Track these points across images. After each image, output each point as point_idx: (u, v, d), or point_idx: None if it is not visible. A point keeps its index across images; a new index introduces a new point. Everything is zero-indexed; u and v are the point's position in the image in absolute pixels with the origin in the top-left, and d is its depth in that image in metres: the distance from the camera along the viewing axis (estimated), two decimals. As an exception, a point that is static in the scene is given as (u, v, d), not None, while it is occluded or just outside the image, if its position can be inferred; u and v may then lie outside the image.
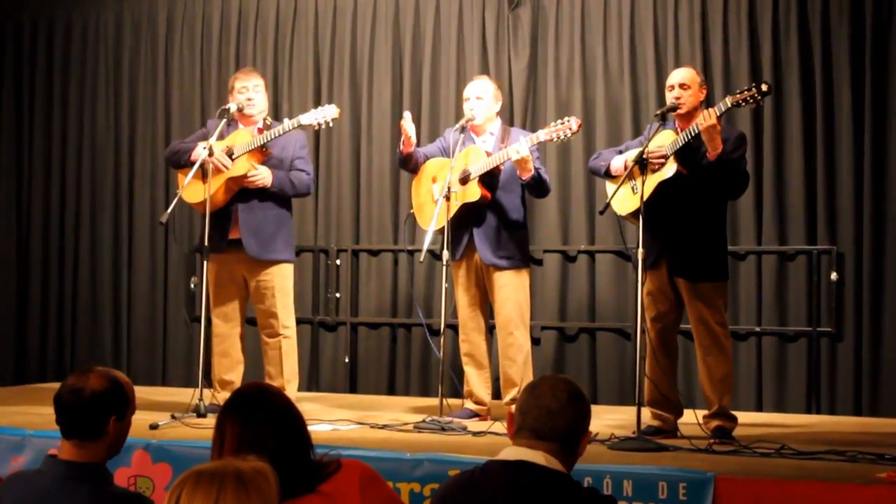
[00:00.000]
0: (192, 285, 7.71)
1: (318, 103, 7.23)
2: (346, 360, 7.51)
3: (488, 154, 5.74)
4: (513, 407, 2.77)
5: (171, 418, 5.33)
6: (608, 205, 5.19)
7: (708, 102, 5.37)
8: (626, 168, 5.30)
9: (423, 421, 5.38)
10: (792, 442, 4.86)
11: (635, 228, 5.19)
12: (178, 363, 7.89)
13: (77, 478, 2.88)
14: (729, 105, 5.07)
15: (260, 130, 5.92)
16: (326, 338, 7.62)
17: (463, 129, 5.78)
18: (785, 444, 4.79)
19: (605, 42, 7.10)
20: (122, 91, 8.24)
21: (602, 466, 4.23)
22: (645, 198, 5.07)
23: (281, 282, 5.91)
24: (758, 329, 6.68)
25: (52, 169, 8.40)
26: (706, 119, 5.00)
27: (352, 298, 7.57)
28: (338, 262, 7.61)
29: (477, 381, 5.87)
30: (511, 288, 5.77)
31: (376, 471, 2.87)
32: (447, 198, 5.55)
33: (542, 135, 5.65)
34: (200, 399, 5.51)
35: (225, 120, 5.81)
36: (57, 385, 3.08)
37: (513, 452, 2.66)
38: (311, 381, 7.50)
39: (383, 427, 5.42)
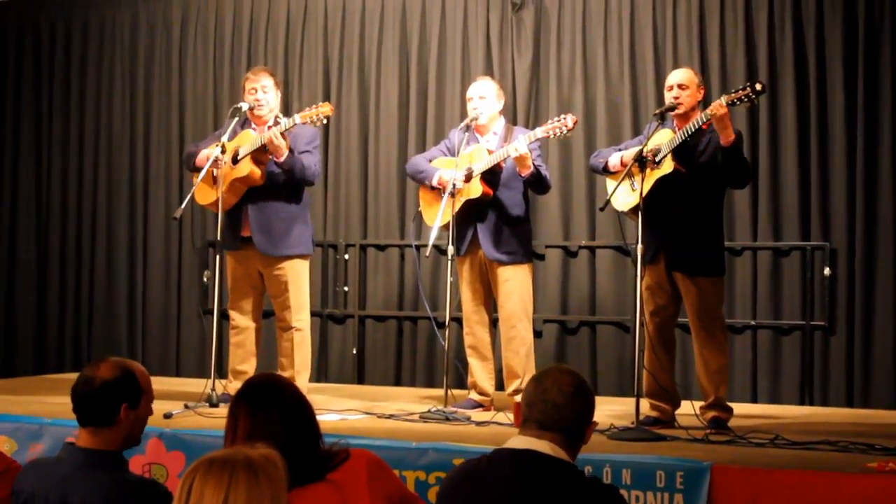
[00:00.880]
0: (205, 279, 7.78)
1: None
2: (354, 352, 7.55)
3: (490, 152, 5.79)
4: (518, 398, 2.85)
5: (184, 408, 5.37)
6: (608, 202, 5.24)
7: (705, 102, 5.37)
8: (623, 164, 5.34)
9: (429, 411, 5.42)
10: (786, 432, 4.89)
11: (635, 224, 5.21)
12: (191, 355, 7.94)
13: (94, 465, 2.90)
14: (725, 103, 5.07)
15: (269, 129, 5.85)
16: (335, 330, 7.66)
17: (467, 129, 5.83)
18: (779, 434, 4.83)
19: (606, 43, 7.14)
20: (137, 91, 8.29)
21: (602, 455, 4.25)
22: (644, 194, 5.10)
23: (294, 276, 5.89)
24: (753, 323, 6.71)
25: (70, 168, 8.45)
26: (717, 109, 5.00)
27: (360, 292, 7.59)
28: (346, 256, 7.64)
29: (481, 372, 5.91)
30: (515, 282, 5.81)
31: (383, 459, 2.90)
32: (452, 194, 5.61)
33: (539, 132, 5.69)
34: (213, 389, 5.54)
35: (237, 119, 5.84)
36: (74, 376, 3.10)
37: (519, 441, 2.70)
38: (320, 372, 7.52)
39: (390, 417, 5.47)
